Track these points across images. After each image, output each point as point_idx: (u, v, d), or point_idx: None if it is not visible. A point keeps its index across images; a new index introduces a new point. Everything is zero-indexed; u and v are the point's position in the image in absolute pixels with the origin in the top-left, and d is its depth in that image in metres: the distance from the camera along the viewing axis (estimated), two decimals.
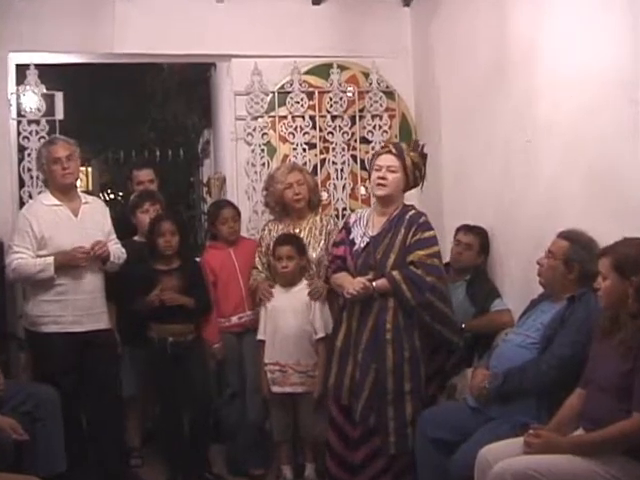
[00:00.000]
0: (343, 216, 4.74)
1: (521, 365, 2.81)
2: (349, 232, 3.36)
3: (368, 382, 3.16)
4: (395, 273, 3.16)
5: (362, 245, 3.28)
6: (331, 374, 3.27)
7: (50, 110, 4.43)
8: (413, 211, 3.29)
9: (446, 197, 4.34)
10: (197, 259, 4.01)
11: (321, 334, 3.58)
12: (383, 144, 4.23)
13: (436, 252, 3.21)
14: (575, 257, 2.81)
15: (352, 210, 4.73)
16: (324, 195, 4.69)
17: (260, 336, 3.66)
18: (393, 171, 3.24)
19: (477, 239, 3.78)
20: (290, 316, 3.58)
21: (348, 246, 3.33)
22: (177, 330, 3.62)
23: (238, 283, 3.84)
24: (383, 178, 3.24)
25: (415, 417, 3.09)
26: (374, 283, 3.18)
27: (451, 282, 3.53)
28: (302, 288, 3.64)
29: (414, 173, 3.30)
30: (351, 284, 3.17)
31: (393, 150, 3.29)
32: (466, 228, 3.82)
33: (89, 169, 8.65)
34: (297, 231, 3.78)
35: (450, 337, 3.25)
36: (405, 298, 3.14)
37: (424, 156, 3.34)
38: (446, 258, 3.70)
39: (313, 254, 3.72)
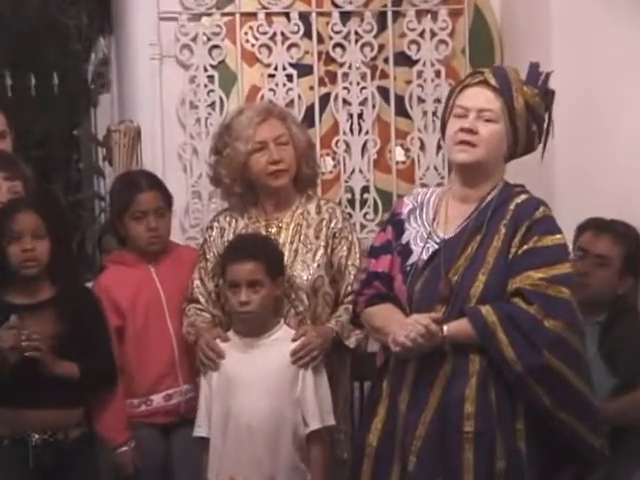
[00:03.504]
0: (362, 203, 4.81)
1: None
2: (400, 230, 3.41)
3: None
4: (486, 310, 3.18)
5: (425, 256, 3.32)
6: None
7: None
8: (523, 195, 3.32)
9: (560, 169, 4.34)
10: (88, 284, 4.06)
11: (316, 425, 3.67)
12: (471, 70, 4.12)
13: (565, 274, 3.21)
14: None
15: (380, 191, 4.80)
16: (326, 164, 4.73)
17: (200, 431, 3.73)
18: (490, 120, 3.26)
19: (619, 247, 3.88)
20: (257, 393, 3.65)
21: (398, 256, 3.38)
22: (49, 420, 3.67)
23: (165, 330, 3.94)
24: (470, 131, 3.25)
25: None
26: (445, 327, 3.18)
27: None
28: (280, 339, 3.71)
29: (528, 125, 3.31)
30: (403, 327, 3.18)
31: (492, 80, 3.29)
32: (598, 227, 3.93)
33: None
34: (273, 231, 3.88)
35: (585, 437, 3.23)
36: (503, 358, 3.15)
37: (549, 95, 3.33)
38: None
39: (303, 274, 3.82)
